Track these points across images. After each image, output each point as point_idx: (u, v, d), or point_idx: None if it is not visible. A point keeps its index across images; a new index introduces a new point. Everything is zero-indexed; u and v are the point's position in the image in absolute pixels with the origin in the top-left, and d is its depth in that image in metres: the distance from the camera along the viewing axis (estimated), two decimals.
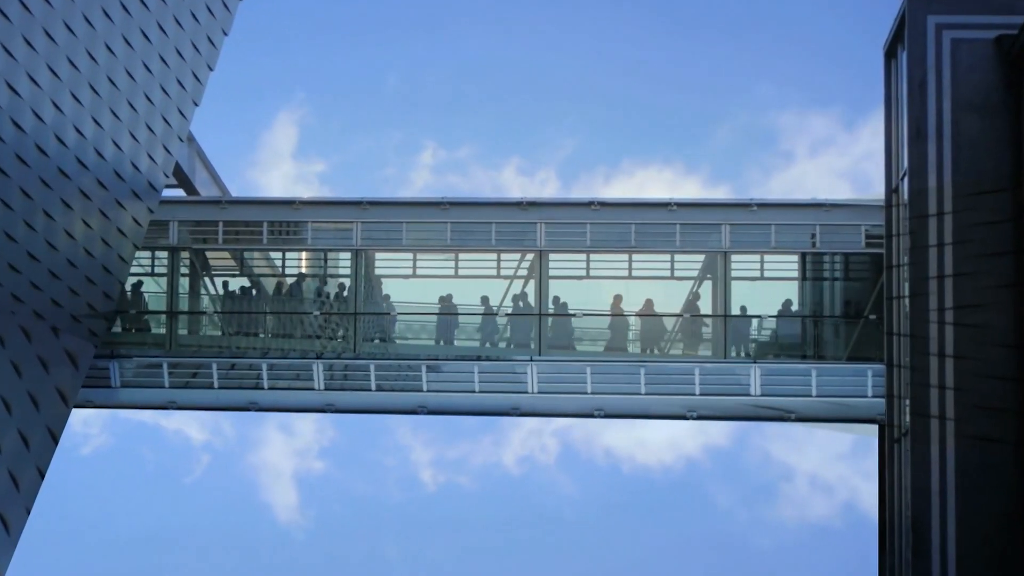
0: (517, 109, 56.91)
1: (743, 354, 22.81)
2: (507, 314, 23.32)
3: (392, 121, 58.11)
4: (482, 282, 23.47)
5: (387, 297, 23.99)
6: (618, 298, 23.15)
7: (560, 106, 57.48)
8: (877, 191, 21.28)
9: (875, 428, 21.54)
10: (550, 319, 22.89)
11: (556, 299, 23.13)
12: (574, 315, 23.24)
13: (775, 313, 23.03)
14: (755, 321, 23.10)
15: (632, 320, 23.34)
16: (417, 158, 57.12)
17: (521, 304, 23.30)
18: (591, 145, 57.78)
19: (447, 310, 23.61)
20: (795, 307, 23.07)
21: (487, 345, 23.53)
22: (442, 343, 23.77)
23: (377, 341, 23.88)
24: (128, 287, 23.22)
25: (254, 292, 24.45)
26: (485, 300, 23.63)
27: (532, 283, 23.08)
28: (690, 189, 56.23)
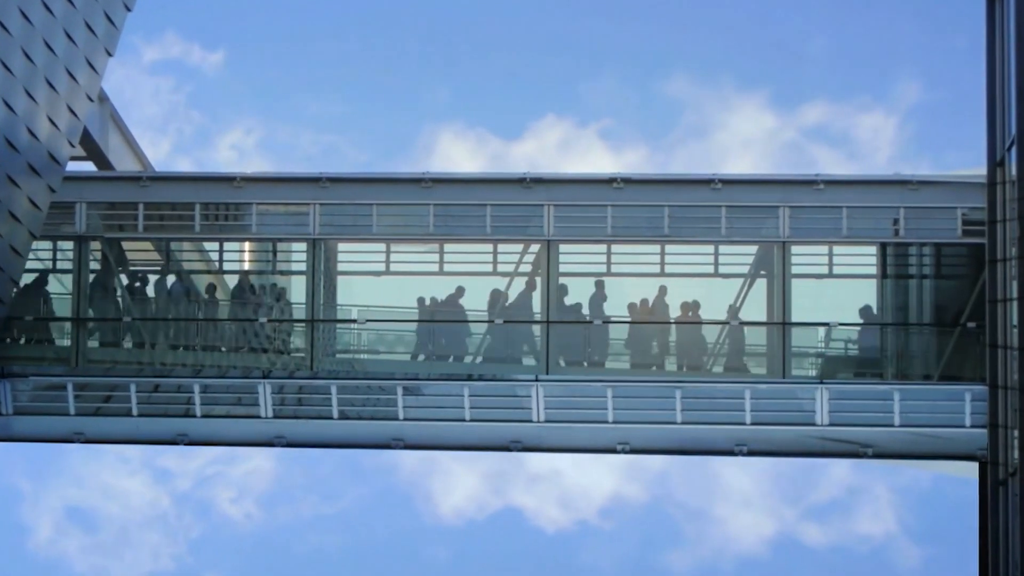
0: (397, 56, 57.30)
1: (818, 373, 22.85)
2: (506, 321, 23.33)
3: (264, 65, 58.99)
4: (477, 281, 23.48)
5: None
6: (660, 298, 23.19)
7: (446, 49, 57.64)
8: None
9: (973, 466, 21.58)
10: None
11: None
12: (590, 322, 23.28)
13: (847, 320, 23.06)
14: (821, 331, 23.11)
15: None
16: (289, 111, 57.95)
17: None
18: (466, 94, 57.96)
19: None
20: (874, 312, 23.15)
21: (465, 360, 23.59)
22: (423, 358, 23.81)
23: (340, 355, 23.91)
24: (23, 286, 23.15)
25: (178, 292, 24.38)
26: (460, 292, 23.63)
27: (537, 281, 23.11)
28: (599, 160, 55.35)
